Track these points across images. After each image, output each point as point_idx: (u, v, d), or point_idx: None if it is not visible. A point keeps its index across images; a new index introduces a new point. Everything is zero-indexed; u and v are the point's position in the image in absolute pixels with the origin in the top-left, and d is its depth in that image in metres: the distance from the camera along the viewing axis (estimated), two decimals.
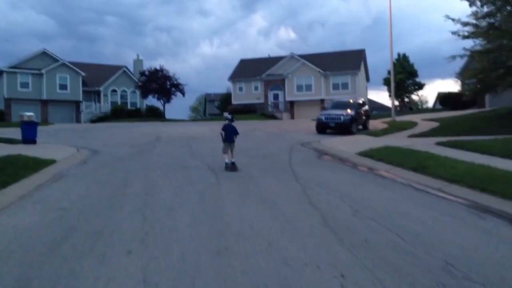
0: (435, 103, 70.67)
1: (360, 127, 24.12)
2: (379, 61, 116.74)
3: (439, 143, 14.41)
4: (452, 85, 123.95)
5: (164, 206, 7.12)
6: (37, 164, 11.17)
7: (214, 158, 13.30)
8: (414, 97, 60.87)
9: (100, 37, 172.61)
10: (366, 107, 26.70)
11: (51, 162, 12.07)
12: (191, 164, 12.14)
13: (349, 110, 23.26)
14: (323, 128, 22.98)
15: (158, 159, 13.43)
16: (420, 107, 73.72)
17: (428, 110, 50.32)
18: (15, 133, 19.43)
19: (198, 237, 5.41)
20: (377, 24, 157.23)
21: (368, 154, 12.70)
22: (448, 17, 21.87)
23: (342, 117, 22.56)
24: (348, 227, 5.78)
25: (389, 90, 54.28)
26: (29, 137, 17.51)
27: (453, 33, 22.53)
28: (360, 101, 25.68)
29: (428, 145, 14.01)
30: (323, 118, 23.06)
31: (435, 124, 24.10)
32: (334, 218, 6.26)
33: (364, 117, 25.07)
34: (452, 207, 7.02)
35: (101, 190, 8.65)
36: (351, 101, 25.89)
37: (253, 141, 18.90)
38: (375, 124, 27.50)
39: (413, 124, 25.11)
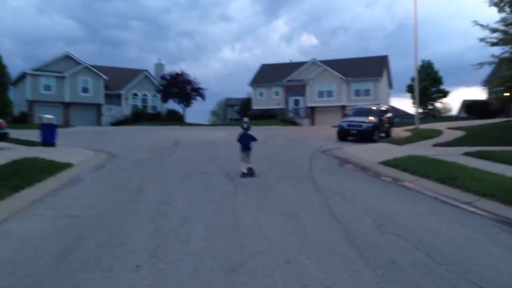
0: (459, 111, 69.37)
1: (383, 134, 23.56)
2: (402, 68, 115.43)
3: (466, 153, 13.83)
4: (478, 93, 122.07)
5: (179, 215, 6.83)
6: (53, 168, 11.03)
7: (232, 164, 12.99)
8: (438, 104, 59.69)
9: (123, 41, 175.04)
10: (389, 114, 26.11)
11: (67, 165, 11.94)
12: (208, 170, 11.86)
13: (371, 117, 22.75)
14: (344, 135, 22.50)
15: (175, 164, 13.20)
16: (443, 115, 72.41)
17: (452, 118, 49.25)
18: (36, 135, 19.46)
19: (212, 251, 5.09)
20: (400, 30, 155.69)
21: (392, 163, 12.23)
22: (476, 23, 21.20)
23: (364, 124, 22.06)
24: (373, 244, 5.38)
25: (413, 97, 53.39)
26: (48, 139, 17.53)
27: (481, 39, 21.81)
28: (383, 108, 25.13)
29: (454, 155, 13.46)
30: (344, 125, 22.60)
31: (460, 133, 23.42)
32: (357, 232, 5.87)
33: (387, 125, 24.48)
34: (484, 223, 6.55)
35: (115, 196, 8.42)
36: (374, 108, 25.35)
37: (273, 148, 18.56)
38: (398, 132, 26.88)
39: (437, 133, 24.44)
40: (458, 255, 5.05)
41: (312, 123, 49.05)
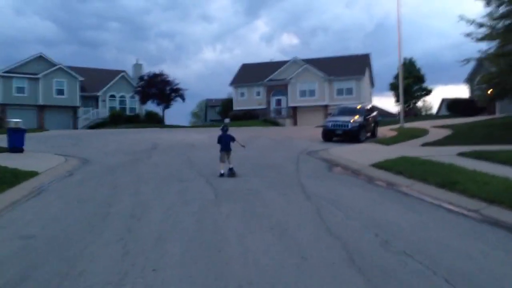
0: (439, 109, 69.43)
1: (368, 134, 22.88)
2: (382, 67, 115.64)
3: (461, 154, 13.15)
4: (456, 91, 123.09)
5: (151, 233, 5.90)
6: (15, 177, 9.96)
7: (212, 170, 12.10)
8: (419, 103, 59.53)
9: (102, 42, 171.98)
10: (375, 113, 25.46)
11: (32, 174, 10.88)
12: (187, 176, 10.94)
13: (356, 117, 22.03)
14: (329, 135, 21.75)
15: (152, 170, 12.23)
16: (424, 113, 72.51)
17: (434, 116, 49.08)
18: (5, 140, 18.23)
19: (189, 282, 4.20)
20: (379, 30, 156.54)
21: (384, 165, 11.47)
22: (462, 17, 20.66)
23: (349, 124, 21.33)
24: (380, 267, 4.55)
25: (396, 95, 53.07)
26: (15, 145, 16.34)
27: (467, 35, 21.28)
28: (368, 107, 24.46)
29: (449, 156, 12.77)
30: (329, 125, 21.84)
31: (447, 132, 22.89)
32: (359, 251, 5.04)
33: (372, 124, 23.83)
34: (501, 236, 5.78)
35: (82, 209, 7.44)
36: (359, 107, 24.69)
37: (257, 149, 17.68)
38: (383, 131, 26.25)
39: (424, 132, 23.86)
40: (483, 278, 4.26)
41: (295, 123, 48.33)
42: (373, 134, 23.84)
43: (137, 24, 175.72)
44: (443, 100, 67.16)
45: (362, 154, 15.27)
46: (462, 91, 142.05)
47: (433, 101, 73.21)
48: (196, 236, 5.74)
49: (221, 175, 10.80)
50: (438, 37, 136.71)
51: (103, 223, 6.52)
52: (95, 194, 8.75)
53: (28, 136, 26.72)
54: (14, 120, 17.08)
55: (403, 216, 6.78)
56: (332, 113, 23.75)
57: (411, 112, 56.18)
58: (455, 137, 19.80)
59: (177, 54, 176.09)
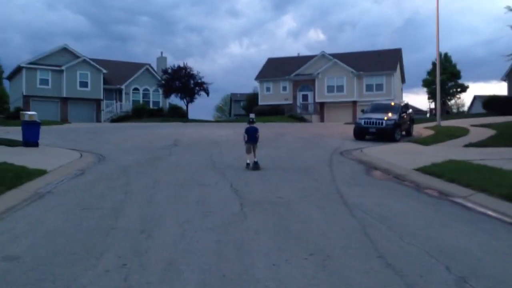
0: (470, 107, 66.76)
1: (404, 133, 21.34)
2: (411, 63, 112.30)
3: None
4: (487, 88, 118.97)
5: (161, 257, 4.72)
6: (18, 178, 8.97)
7: (237, 171, 10.96)
8: (452, 100, 57.10)
9: (131, 36, 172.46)
10: (410, 110, 23.86)
11: (39, 173, 9.91)
12: (209, 179, 9.76)
13: (391, 114, 20.53)
14: (362, 133, 20.31)
15: (170, 171, 11.10)
16: (455, 111, 69.92)
17: (468, 114, 46.83)
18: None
19: None
20: (408, 26, 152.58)
21: (431, 170, 10.08)
22: (510, 8, 18.96)
23: (384, 121, 19.84)
24: None
25: (429, 92, 51.09)
26: (30, 139, 15.47)
27: None
28: (403, 104, 22.87)
29: (503, 160, 11.27)
30: (362, 122, 20.38)
31: (490, 131, 21.12)
32: None
33: (408, 122, 22.26)
34: None
35: (84, 220, 6.32)
36: (393, 103, 23.10)
37: (284, 148, 16.42)
38: (418, 129, 24.58)
39: (463, 131, 22.15)
40: None
41: (322, 119, 46.71)
42: (408, 133, 22.29)
43: (166, 18, 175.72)
44: (475, 98, 64.58)
45: (401, 155, 13.85)
46: (494, 88, 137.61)
47: (464, 98, 70.10)
48: (216, 263, 4.54)
49: (247, 165, 11.36)
50: (470, 33, 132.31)
51: (106, 241, 5.38)
52: (103, 201, 7.65)
53: (48, 129, 26.16)
54: (29, 113, 16.20)
55: (474, 239, 5.43)
56: (364, 110, 22.25)
57: (442, 110, 53.93)
58: (501, 138, 18.09)
59: (204, 48, 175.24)
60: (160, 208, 7.05)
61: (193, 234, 5.60)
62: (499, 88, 61.91)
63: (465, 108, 71.24)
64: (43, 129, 25.24)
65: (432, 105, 56.62)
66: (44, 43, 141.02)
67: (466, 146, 16.62)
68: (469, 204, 7.36)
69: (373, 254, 4.86)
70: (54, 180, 9.54)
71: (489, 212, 6.81)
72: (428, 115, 58.39)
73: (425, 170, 10.30)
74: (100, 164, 12.40)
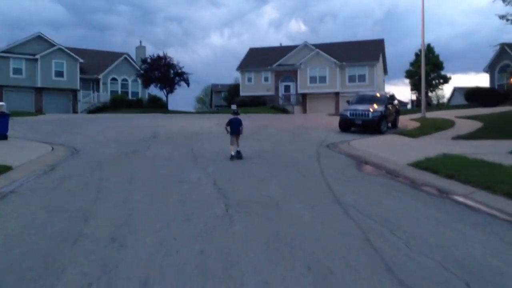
0: (450, 98, 66.95)
1: (389, 125, 20.87)
2: (391, 54, 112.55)
3: None
4: (466, 80, 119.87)
5: (136, 275, 4.02)
6: None
7: (220, 166, 10.29)
8: (434, 92, 56.98)
9: (110, 26, 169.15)
10: (396, 101, 23.42)
11: (3, 169, 9.09)
12: (191, 175, 9.05)
13: (377, 106, 20.03)
14: (347, 125, 19.79)
15: (148, 166, 10.34)
16: (436, 102, 70.10)
17: (450, 106, 46.81)
18: None
19: None
20: (389, 17, 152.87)
21: (426, 165, 9.53)
22: None
23: (370, 113, 19.33)
24: None
25: (412, 84, 50.84)
26: None
27: (501, 17, 19.30)
28: (389, 95, 22.38)
29: (499, 155, 10.80)
30: (347, 114, 19.83)
31: (476, 124, 20.84)
32: None
33: (394, 114, 21.80)
34: None
35: (48, 225, 5.57)
36: (379, 95, 22.62)
37: (268, 141, 15.77)
38: (403, 121, 24.19)
39: (449, 123, 21.82)
40: None
41: (304, 110, 46.16)
42: (394, 125, 21.85)
43: (146, 7, 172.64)
44: (455, 89, 64.73)
45: (390, 148, 13.34)
46: (472, 80, 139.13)
47: (444, 90, 70.09)
48: (200, 282, 3.86)
49: (232, 156, 11.37)
50: (448, 25, 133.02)
51: (71, 251, 4.65)
52: (73, 201, 6.87)
53: (20, 120, 25.00)
54: None
55: (488, 247, 4.85)
56: (350, 101, 21.70)
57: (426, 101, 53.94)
58: (489, 130, 17.74)
59: (185, 39, 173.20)
60: (135, 210, 6.32)
61: (172, 242, 4.90)
62: (477, 80, 62.38)
63: (445, 100, 71.46)
64: (15, 120, 24.13)
65: (414, 97, 56.60)
66: (21, 32, 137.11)
67: (454, 138, 16.23)
68: (473, 203, 6.80)
69: (380, 267, 4.24)
70: (19, 178, 8.71)
71: (496, 213, 6.25)
72: (409, 106, 58.33)
73: (419, 165, 9.75)
74: (73, 159, 11.56)
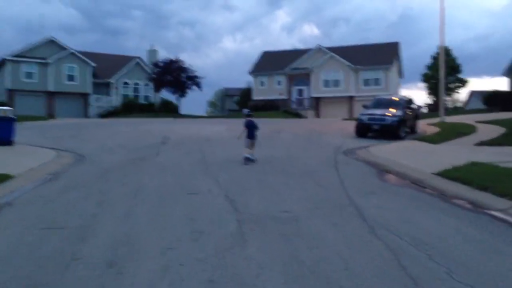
0: (467, 102, 65.61)
1: (408, 130, 20.07)
2: (405, 58, 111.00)
3: None
4: (481, 83, 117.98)
5: None
6: None
7: (232, 173, 9.71)
8: (453, 95, 55.74)
9: (124, 30, 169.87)
10: (415, 105, 22.61)
11: (3, 178, 8.54)
12: (201, 186, 8.43)
13: (395, 110, 19.28)
14: (364, 130, 19.04)
15: (156, 174, 9.75)
16: (452, 106, 68.79)
17: (470, 110, 45.64)
18: None
19: None
20: (402, 20, 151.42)
21: (454, 175, 8.80)
22: None
23: (388, 118, 18.59)
24: None
25: (429, 87, 49.85)
26: (3, 136, 14.04)
27: None
28: (407, 99, 21.57)
29: None
30: (364, 118, 19.10)
31: (498, 129, 19.92)
32: None
33: (412, 118, 20.99)
34: None
35: (39, 245, 4.99)
36: (396, 98, 21.86)
37: (282, 147, 15.13)
38: (421, 126, 23.31)
39: (470, 128, 20.95)
40: None
41: (317, 115, 45.43)
42: (413, 130, 21.01)
43: (159, 12, 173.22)
44: (472, 93, 63.44)
45: (412, 155, 12.61)
46: (487, 84, 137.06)
47: (460, 94, 68.54)
48: None
49: (246, 159, 11.21)
50: (463, 28, 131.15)
51: (61, 280, 4.05)
52: (71, 216, 6.29)
53: (30, 125, 24.68)
54: (2, 108, 14.75)
55: None
56: (367, 106, 20.97)
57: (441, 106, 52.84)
58: None
59: (198, 43, 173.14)
60: (138, 227, 5.71)
61: (177, 269, 4.27)
62: (492, 84, 61.10)
63: (459, 104, 70.08)
64: (25, 125, 23.82)
65: (429, 101, 55.54)
66: (36, 37, 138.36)
67: (477, 144, 15.41)
68: None
69: None
70: (19, 187, 8.19)
71: None
72: (425, 110, 57.22)
73: (447, 174, 9.02)
74: (78, 166, 11.03)
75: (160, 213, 6.39)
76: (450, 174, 8.95)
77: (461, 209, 6.80)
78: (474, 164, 9.79)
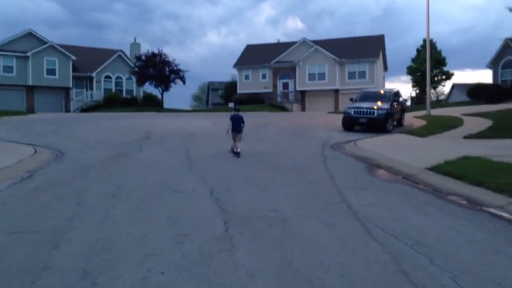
0: (449, 95, 65.90)
1: (395, 123, 19.86)
2: (389, 51, 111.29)
3: None
4: (463, 76, 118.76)
5: None
6: None
7: (218, 170, 9.34)
8: (439, 88, 55.81)
9: (107, 24, 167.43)
10: (401, 99, 22.42)
11: None
12: (185, 184, 8.03)
13: (382, 103, 19.06)
14: (351, 124, 18.80)
15: (138, 172, 9.31)
16: (435, 99, 69.09)
17: (454, 103, 45.81)
18: None
19: None
20: (386, 14, 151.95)
21: (447, 170, 8.55)
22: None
23: (375, 111, 18.36)
24: None
25: (414, 80, 49.88)
26: None
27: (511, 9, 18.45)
28: (394, 92, 21.35)
29: None
30: (351, 112, 18.84)
31: (485, 121, 19.87)
32: None
33: (399, 111, 20.79)
34: None
35: (7, 253, 4.55)
36: (382, 92, 21.62)
37: (269, 141, 14.79)
38: (407, 119, 23.18)
39: (457, 121, 20.88)
40: None
41: (303, 108, 45.11)
42: (400, 123, 20.86)
43: (142, 5, 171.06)
44: (454, 86, 63.72)
45: (401, 149, 12.36)
46: (469, 77, 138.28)
47: (443, 86, 68.65)
48: None
49: (233, 152, 11.44)
50: (445, 22, 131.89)
51: None
52: (45, 218, 5.84)
53: (7, 120, 23.94)
54: None
55: None
56: (353, 99, 20.72)
57: (424, 98, 53.02)
58: (501, 128, 16.79)
59: (182, 36, 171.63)
60: (117, 230, 5.30)
61: (158, 278, 3.89)
62: (474, 77, 61.50)
63: (442, 97, 70.39)
64: (2, 120, 23.09)
65: (413, 93, 55.64)
66: (17, 31, 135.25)
67: (466, 138, 15.27)
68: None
69: None
70: None
71: None
72: (408, 103, 57.30)
73: (439, 169, 8.78)
74: (55, 164, 10.52)
75: (140, 215, 5.98)
76: (442, 169, 8.71)
77: (457, 206, 6.53)
78: (466, 158, 9.57)
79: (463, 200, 6.85)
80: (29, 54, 39.66)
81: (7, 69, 39.17)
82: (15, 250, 4.63)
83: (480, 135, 15.41)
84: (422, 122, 21.28)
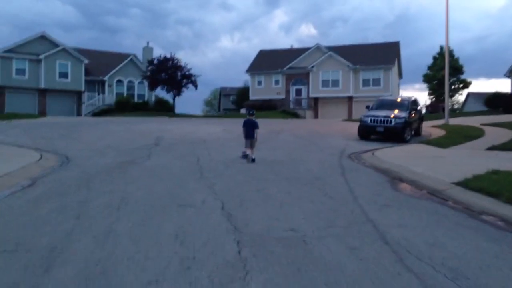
0: (464, 104, 64.83)
1: (412, 132, 19.21)
2: (403, 58, 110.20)
3: None
4: (479, 85, 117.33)
5: None
6: None
7: (230, 181, 8.78)
8: (455, 96, 54.75)
9: (122, 28, 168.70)
10: (419, 107, 21.75)
11: None
12: (194, 196, 7.48)
13: (399, 112, 18.44)
14: (367, 133, 18.21)
15: (145, 181, 8.80)
16: (450, 107, 67.93)
17: (472, 112, 44.86)
18: None
19: None
20: (400, 21, 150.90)
21: (478, 186, 7.89)
22: None
23: (392, 120, 17.73)
24: None
25: (430, 88, 49.01)
26: None
27: None
28: (412, 100, 20.68)
29: None
30: (368, 120, 18.24)
31: (507, 132, 19.17)
32: None
33: (417, 120, 20.13)
34: None
35: None
36: (399, 100, 20.98)
37: (282, 149, 14.24)
38: (425, 128, 22.50)
39: (477, 131, 20.13)
40: None
41: (316, 115, 44.51)
42: (417, 133, 20.18)
43: (157, 11, 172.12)
44: (469, 95, 62.67)
45: (422, 161, 11.72)
46: (484, 86, 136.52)
47: (462, 95, 67.51)
48: None
49: (244, 155, 11.43)
50: (460, 30, 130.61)
51: None
52: (41, 234, 5.32)
53: (17, 123, 23.67)
54: None
55: None
56: (369, 107, 20.10)
57: (439, 107, 52.01)
58: None
59: (195, 42, 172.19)
60: (118, 250, 4.76)
61: None
62: (489, 86, 60.35)
63: (457, 106, 69.28)
64: (12, 123, 22.83)
65: (428, 102, 54.70)
66: (31, 34, 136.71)
67: (489, 149, 14.55)
68: None
69: None
70: None
71: None
72: (423, 111, 56.27)
73: (468, 184, 8.12)
74: (60, 170, 10.05)
75: (145, 232, 5.44)
76: (472, 184, 8.05)
77: (495, 228, 5.89)
78: (495, 173, 8.91)
79: (499, 221, 6.22)
80: (41, 57, 39.62)
81: (20, 72, 39.13)
82: (2, 274, 4.11)
83: (504, 147, 14.67)
84: (441, 132, 20.57)
